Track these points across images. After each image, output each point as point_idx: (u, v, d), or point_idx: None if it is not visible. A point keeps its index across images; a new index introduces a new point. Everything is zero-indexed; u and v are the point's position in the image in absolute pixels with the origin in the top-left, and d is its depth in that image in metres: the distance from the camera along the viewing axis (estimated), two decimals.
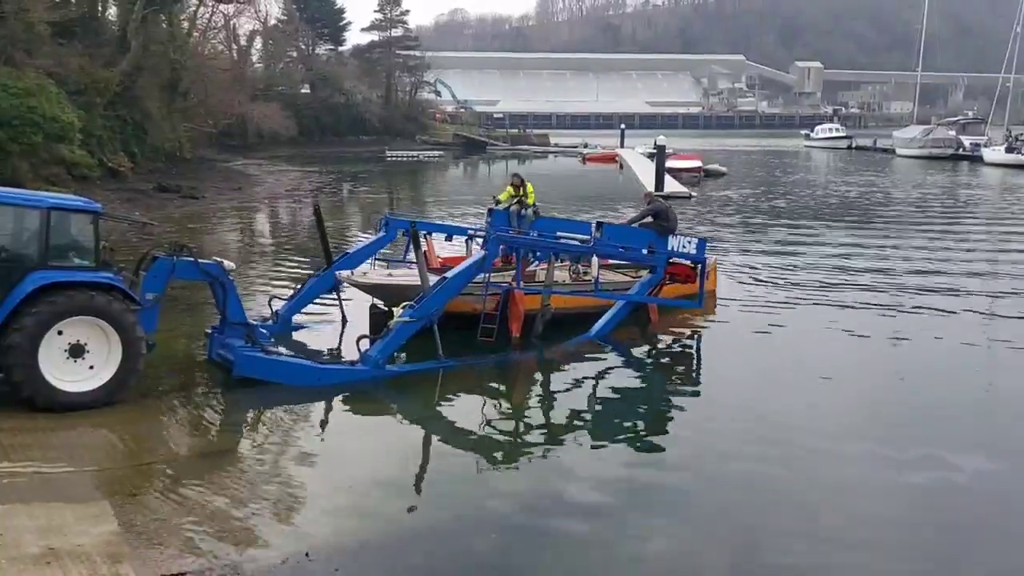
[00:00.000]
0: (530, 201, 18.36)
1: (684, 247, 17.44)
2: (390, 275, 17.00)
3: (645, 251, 17.19)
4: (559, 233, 16.88)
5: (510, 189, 18.86)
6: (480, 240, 16.39)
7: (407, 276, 16.40)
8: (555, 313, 16.18)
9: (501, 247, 15.97)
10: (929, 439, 11.65)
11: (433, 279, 14.49)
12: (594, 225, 17.07)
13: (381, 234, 17.47)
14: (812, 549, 8.80)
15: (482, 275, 15.02)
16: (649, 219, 17.87)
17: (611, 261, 18.41)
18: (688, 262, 17.90)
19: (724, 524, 9.36)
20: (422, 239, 16.09)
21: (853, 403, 13.12)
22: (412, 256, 15.48)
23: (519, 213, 17.79)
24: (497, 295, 15.61)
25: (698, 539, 9.07)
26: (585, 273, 17.78)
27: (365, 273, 16.74)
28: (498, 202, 18.84)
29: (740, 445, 11.26)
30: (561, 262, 17.88)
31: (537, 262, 17.53)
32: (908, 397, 13.47)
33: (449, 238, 19.05)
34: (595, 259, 17.03)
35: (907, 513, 9.69)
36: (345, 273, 16.40)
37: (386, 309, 16.14)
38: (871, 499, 9.89)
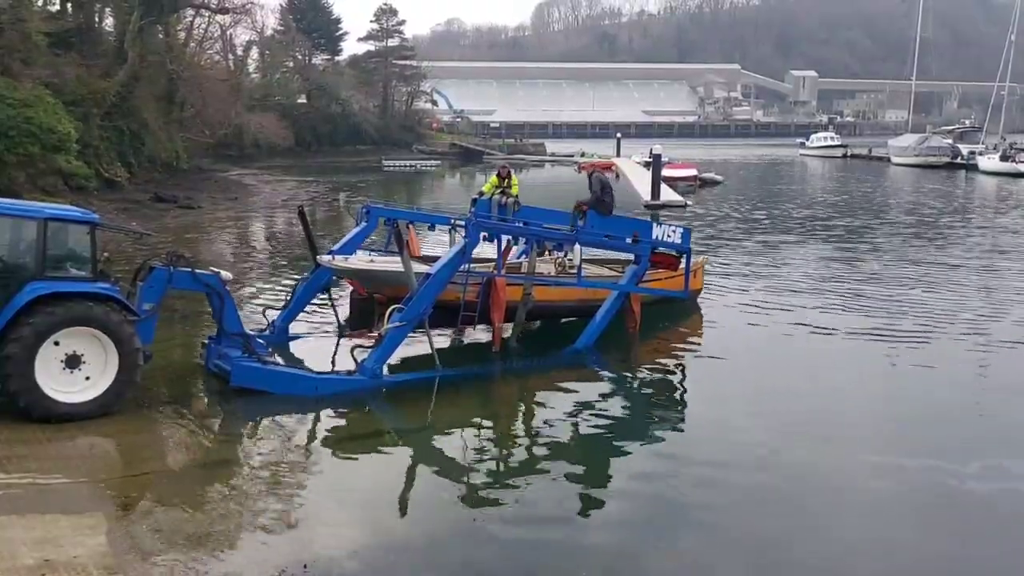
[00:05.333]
0: (514, 192, 18.33)
1: (669, 236, 17.40)
2: (371, 261, 16.95)
3: (629, 240, 17.12)
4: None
5: (495, 179, 18.78)
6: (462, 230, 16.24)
7: (388, 262, 16.34)
8: (542, 306, 16.15)
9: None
10: (933, 451, 11.66)
11: (419, 268, 14.48)
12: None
13: (363, 224, 17.47)
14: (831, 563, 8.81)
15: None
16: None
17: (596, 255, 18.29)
18: (673, 251, 17.79)
19: (738, 543, 9.36)
20: (404, 229, 16.04)
21: (852, 417, 13.11)
22: (394, 247, 15.54)
23: (501, 203, 17.77)
24: (479, 284, 15.54)
25: (705, 548, 9.08)
26: (570, 266, 17.70)
27: (347, 259, 16.70)
28: (482, 193, 18.84)
29: (744, 464, 11.20)
30: (549, 254, 17.88)
31: (523, 254, 17.48)
32: (909, 408, 13.46)
33: (432, 227, 18.99)
34: (578, 247, 16.98)
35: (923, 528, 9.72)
36: (326, 257, 16.36)
37: (367, 295, 16.13)
38: (885, 513, 9.88)
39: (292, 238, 31.23)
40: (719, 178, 59.57)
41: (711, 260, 24.19)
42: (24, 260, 11.44)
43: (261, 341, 14.15)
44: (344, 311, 16.88)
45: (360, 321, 16.03)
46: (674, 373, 15.60)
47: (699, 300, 19.71)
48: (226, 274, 13.53)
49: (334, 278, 17.01)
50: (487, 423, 12.75)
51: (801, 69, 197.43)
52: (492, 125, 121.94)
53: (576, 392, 13.97)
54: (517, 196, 18.40)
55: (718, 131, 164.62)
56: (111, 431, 11.35)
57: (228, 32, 66.03)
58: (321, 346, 16.08)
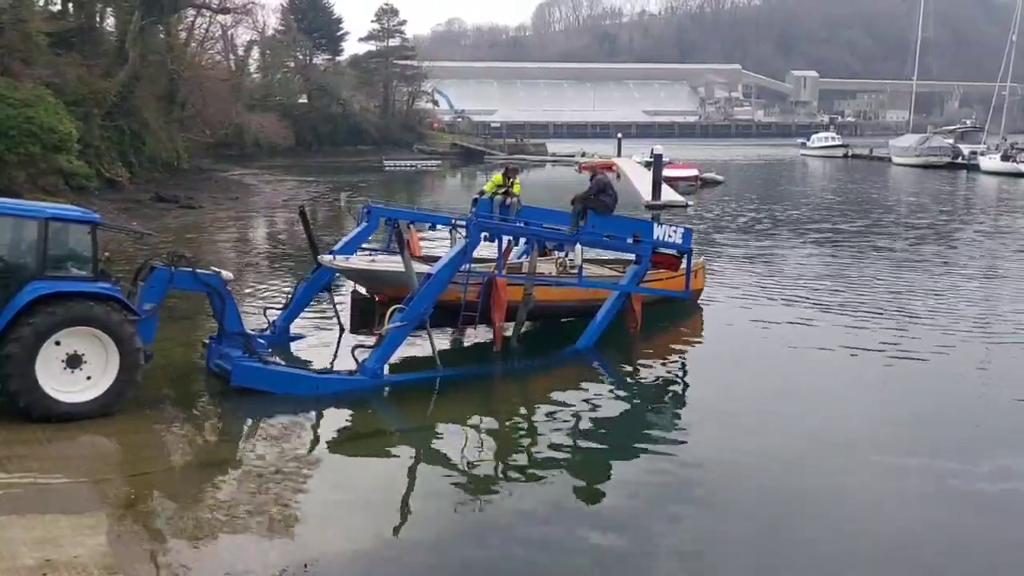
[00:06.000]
0: (516, 191, 18.30)
1: (670, 236, 17.37)
2: (373, 261, 16.98)
3: (630, 240, 17.08)
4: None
5: (497, 177, 18.69)
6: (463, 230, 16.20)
7: (389, 262, 16.38)
8: (543, 306, 16.14)
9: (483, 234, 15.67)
10: (935, 451, 11.66)
11: (420, 268, 14.48)
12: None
13: (364, 224, 17.48)
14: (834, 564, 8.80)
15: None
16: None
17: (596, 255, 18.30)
18: (674, 251, 17.78)
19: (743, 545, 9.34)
20: (404, 229, 16.02)
21: (852, 417, 13.09)
22: (395, 247, 15.52)
23: (503, 203, 17.75)
24: (480, 284, 15.52)
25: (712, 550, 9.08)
26: (571, 266, 17.69)
27: (348, 259, 16.72)
28: (483, 193, 18.80)
29: (746, 464, 11.19)
30: (550, 254, 17.84)
31: (524, 254, 17.48)
32: (907, 410, 13.43)
33: (433, 227, 19.00)
34: (579, 247, 16.96)
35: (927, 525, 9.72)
36: (327, 257, 16.36)
37: (368, 296, 16.12)
38: (888, 512, 9.88)
39: (293, 238, 31.26)
40: (720, 178, 59.54)
41: (712, 260, 24.17)
42: (25, 260, 11.43)
43: (262, 341, 14.14)
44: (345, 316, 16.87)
45: (361, 321, 16.03)
46: (675, 373, 15.61)
47: (700, 300, 19.70)
48: (227, 274, 13.53)
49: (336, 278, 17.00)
50: (488, 423, 12.73)
51: (802, 69, 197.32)
52: (493, 125, 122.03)
53: (577, 392, 13.96)
54: (518, 196, 18.37)
55: (719, 131, 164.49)
56: (112, 431, 11.34)
57: (229, 32, 66.07)
58: (322, 346, 16.08)
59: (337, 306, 16.83)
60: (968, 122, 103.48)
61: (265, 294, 20.58)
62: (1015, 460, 11.34)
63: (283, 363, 14.13)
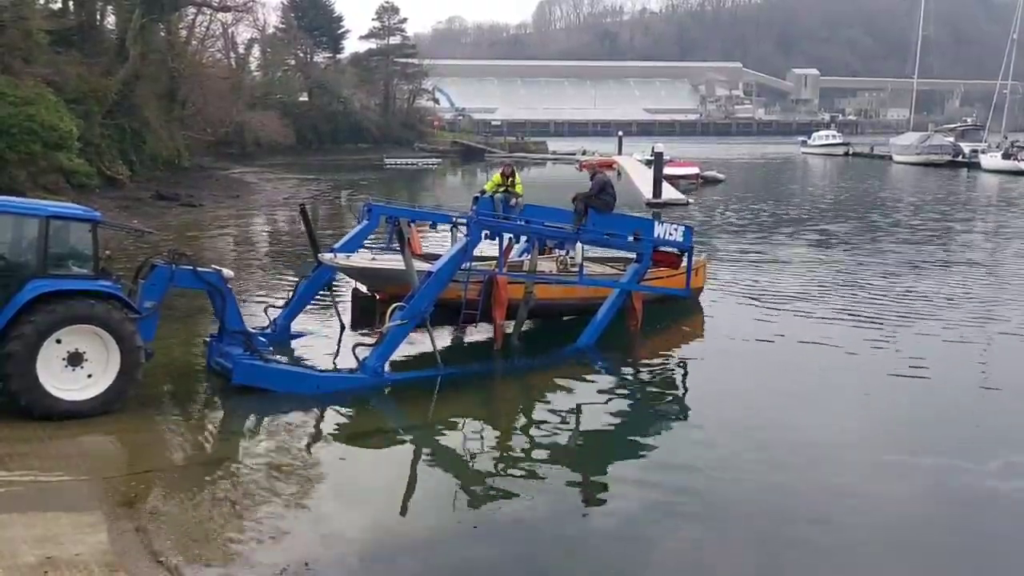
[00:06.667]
0: (518, 191, 18.24)
1: (670, 234, 17.36)
2: (373, 259, 16.98)
3: (630, 238, 17.08)
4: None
5: (497, 177, 18.65)
6: (464, 228, 16.19)
7: (390, 260, 16.37)
8: (544, 305, 16.15)
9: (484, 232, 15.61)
10: (936, 450, 11.64)
11: (420, 266, 14.48)
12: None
13: (364, 222, 17.46)
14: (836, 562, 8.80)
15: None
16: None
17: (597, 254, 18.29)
18: (674, 249, 17.76)
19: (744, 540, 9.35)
20: (405, 227, 16.03)
21: (854, 416, 13.08)
22: (396, 245, 15.57)
23: (505, 201, 17.70)
24: (480, 282, 15.51)
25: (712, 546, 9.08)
26: (572, 264, 17.70)
27: (348, 257, 16.71)
28: (484, 191, 18.77)
29: (746, 462, 11.20)
30: (551, 252, 17.82)
31: (525, 253, 17.48)
32: (907, 409, 13.43)
33: (433, 226, 18.99)
34: (580, 245, 16.97)
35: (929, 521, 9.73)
36: (328, 255, 16.36)
37: (369, 293, 16.12)
38: (891, 509, 9.87)
39: (294, 236, 31.26)
40: (721, 176, 59.52)
41: (713, 258, 24.16)
42: (26, 258, 11.43)
43: (263, 339, 14.14)
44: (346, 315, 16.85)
45: (362, 319, 16.03)
46: (676, 371, 15.58)
47: (700, 298, 19.70)
48: (228, 272, 13.51)
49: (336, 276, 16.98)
50: (488, 421, 12.73)
51: (803, 67, 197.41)
52: (494, 123, 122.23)
53: (577, 390, 13.96)
54: (521, 195, 18.38)
55: (720, 129, 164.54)
56: (113, 429, 11.35)
57: (230, 30, 66.09)
58: (323, 344, 16.08)
59: (338, 304, 16.82)
60: (969, 120, 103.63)
61: (266, 292, 20.57)
62: (1016, 459, 11.32)
63: (284, 361, 14.13)
